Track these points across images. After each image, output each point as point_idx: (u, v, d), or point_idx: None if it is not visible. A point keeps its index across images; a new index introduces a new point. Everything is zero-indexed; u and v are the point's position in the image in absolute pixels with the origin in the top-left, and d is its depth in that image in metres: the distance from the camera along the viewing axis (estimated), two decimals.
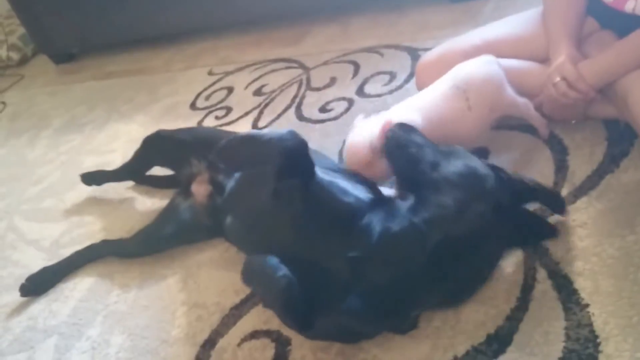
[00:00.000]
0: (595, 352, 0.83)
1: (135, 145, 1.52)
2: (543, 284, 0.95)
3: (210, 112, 1.94)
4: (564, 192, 1.09)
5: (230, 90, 2.04)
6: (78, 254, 1.44)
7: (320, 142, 1.51)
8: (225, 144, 1.23)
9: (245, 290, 1.16)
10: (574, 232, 1.01)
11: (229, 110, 1.90)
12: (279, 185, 1.02)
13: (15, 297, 1.39)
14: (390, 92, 1.62)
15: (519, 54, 1.27)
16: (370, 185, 1.08)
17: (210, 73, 2.23)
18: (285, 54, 2.13)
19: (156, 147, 1.47)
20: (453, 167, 0.97)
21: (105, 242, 1.44)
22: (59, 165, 2.00)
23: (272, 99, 1.86)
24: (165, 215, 1.37)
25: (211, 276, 1.25)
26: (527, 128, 1.25)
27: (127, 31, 2.63)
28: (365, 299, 0.90)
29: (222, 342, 1.09)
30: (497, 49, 1.26)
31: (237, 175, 1.21)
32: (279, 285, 0.89)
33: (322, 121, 1.63)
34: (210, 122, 1.87)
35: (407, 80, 1.64)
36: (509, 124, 1.28)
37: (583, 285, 0.92)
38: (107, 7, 2.53)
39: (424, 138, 1.04)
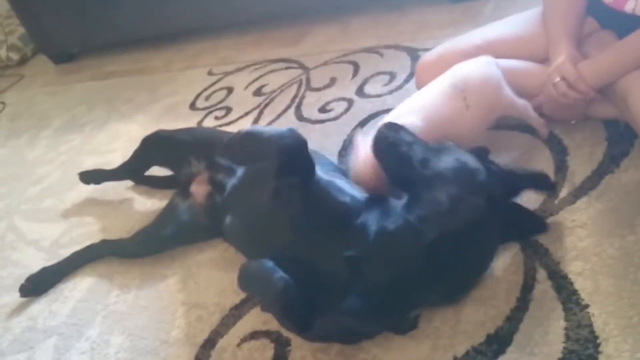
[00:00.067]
0: (595, 353, 0.83)
1: (135, 145, 1.52)
2: (543, 284, 0.95)
3: (210, 112, 1.94)
4: (564, 192, 1.09)
5: (230, 90, 2.04)
6: (78, 254, 1.44)
7: (320, 142, 1.51)
8: (229, 141, 1.25)
9: None
10: (574, 232, 1.01)
11: (228, 110, 1.90)
12: (279, 183, 1.02)
13: (15, 297, 1.39)
14: (390, 92, 1.62)
15: (519, 54, 1.27)
16: None
17: (210, 73, 2.23)
18: (285, 54, 2.13)
19: (155, 147, 1.47)
20: (444, 162, 0.97)
21: (104, 242, 1.44)
22: (59, 165, 2.00)
23: (272, 99, 1.85)
24: (165, 215, 1.36)
25: (211, 276, 1.25)
26: (527, 128, 1.25)
27: (127, 31, 2.63)
28: (365, 298, 0.90)
29: (221, 343, 1.09)
30: (497, 49, 1.26)
31: (237, 174, 1.21)
32: (276, 288, 0.89)
33: (322, 121, 1.63)
34: (210, 123, 1.87)
35: (407, 81, 1.64)
36: (508, 124, 1.28)
37: (583, 285, 0.92)
38: (107, 7, 2.53)
39: (412, 136, 1.03)
